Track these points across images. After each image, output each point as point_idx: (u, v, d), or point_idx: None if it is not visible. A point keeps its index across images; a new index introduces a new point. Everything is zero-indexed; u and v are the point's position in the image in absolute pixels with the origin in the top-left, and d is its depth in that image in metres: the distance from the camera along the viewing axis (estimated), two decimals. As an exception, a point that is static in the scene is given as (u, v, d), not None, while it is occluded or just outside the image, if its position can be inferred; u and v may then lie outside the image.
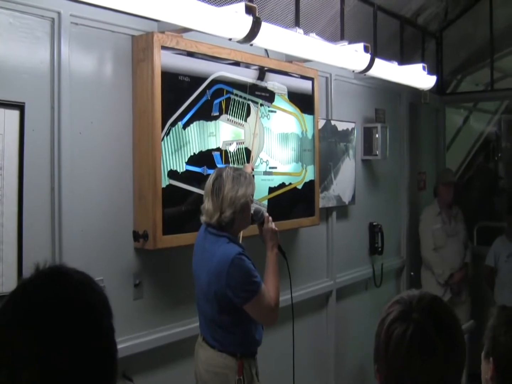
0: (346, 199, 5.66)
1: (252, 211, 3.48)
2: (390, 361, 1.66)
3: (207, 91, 3.87)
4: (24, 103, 2.96)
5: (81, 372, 1.26)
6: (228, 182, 3.29)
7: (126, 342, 3.48)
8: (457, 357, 1.68)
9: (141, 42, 3.53)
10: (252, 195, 3.41)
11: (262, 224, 3.55)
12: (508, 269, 6.65)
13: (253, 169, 4.06)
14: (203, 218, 3.38)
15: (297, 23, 4.96)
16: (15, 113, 2.92)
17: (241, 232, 3.56)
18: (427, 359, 1.63)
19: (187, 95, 3.74)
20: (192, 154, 3.76)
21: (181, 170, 3.69)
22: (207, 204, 3.33)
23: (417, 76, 5.80)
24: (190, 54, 3.75)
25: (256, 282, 3.25)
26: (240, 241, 3.48)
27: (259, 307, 3.29)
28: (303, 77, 4.80)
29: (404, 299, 1.74)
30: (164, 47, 3.54)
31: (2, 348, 1.26)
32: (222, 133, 3.98)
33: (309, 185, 4.88)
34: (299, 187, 4.76)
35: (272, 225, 3.54)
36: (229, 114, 4.05)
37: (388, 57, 5.44)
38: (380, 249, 6.31)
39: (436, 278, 6.67)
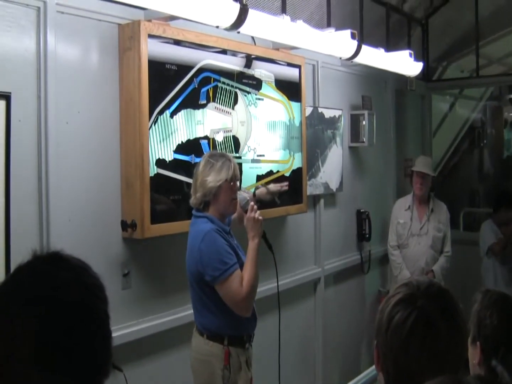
0: (334, 186, 5.66)
1: (238, 199, 3.50)
2: (389, 341, 1.67)
3: (194, 79, 3.85)
4: (10, 93, 2.93)
5: (74, 351, 1.28)
6: (201, 165, 3.38)
7: (115, 332, 3.47)
8: (457, 351, 1.68)
9: (128, 30, 3.51)
10: (228, 180, 3.37)
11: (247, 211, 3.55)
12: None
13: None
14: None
15: (283, 10, 4.95)
16: (1, 103, 2.90)
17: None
18: (426, 347, 1.63)
19: (174, 83, 3.72)
20: (179, 142, 3.75)
21: (169, 159, 3.68)
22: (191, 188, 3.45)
23: (404, 63, 5.81)
24: (177, 42, 3.73)
25: (227, 263, 3.27)
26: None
27: (228, 291, 3.29)
28: (290, 64, 4.79)
29: (413, 283, 1.74)
30: (150, 36, 3.51)
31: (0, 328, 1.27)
32: (210, 121, 3.97)
33: (297, 172, 4.88)
34: (287, 174, 4.76)
35: (256, 214, 3.46)
36: (217, 102, 4.03)
37: (374, 44, 5.43)
38: (367, 236, 6.32)
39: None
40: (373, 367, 1.88)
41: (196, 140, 3.87)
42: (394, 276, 6.18)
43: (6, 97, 2.92)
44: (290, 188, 4.81)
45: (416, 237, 6.16)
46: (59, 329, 1.26)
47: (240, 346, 3.45)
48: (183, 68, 3.78)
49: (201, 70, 3.90)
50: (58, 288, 1.30)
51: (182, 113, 3.76)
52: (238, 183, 3.52)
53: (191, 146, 3.83)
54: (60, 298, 1.28)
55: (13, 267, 1.38)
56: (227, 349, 3.37)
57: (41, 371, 1.25)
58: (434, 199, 6.32)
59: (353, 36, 4.77)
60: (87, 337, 1.31)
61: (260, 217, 3.47)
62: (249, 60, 4.35)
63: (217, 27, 3.56)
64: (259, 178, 4.44)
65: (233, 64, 4.19)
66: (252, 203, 3.53)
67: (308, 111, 5.15)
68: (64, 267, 1.35)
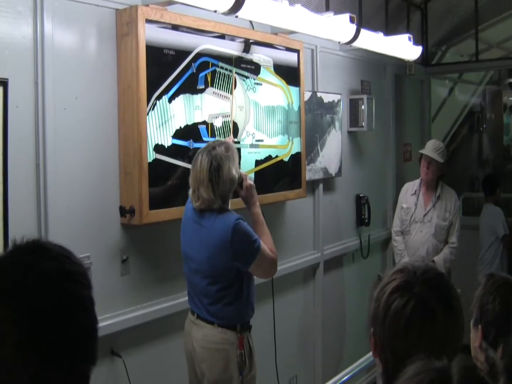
0: (333, 171, 5.65)
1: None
2: (387, 330, 1.67)
3: (193, 64, 3.83)
4: (7, 79, 2.91)
5: (59, 340, 1.27)
6: (225, 166, 3.36)
7: (114, 318, 3.48)
8: (455, 336, 1.69)
9: (125, 15, 3.48)
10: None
11: (241, 184, 3.57)
12: None
13: (233, 141, 4.05)
14: (197, 204, 3.40)
15: (282, -6, 4.92)
16: (-2, 90, 2.89)
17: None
18: (425, 334, 1.64)
19: (173, 68, 3.70)
20: (178, 128, 3.73)
21: (167, 144, 3.66)
22: (205, 193, 3.36)
23: (403, 47, 5.79)
24: (175, 27, 3.71)
25: (256, 240, 3.38)
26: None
27: (263, 263, 3.43)
28: (288, 49, 4.76)
29: (408, 269, 1.73)
30: (148, 21, 3.49)
31: None
32: (208, 106, 3.96)
33: (296, 157, 4.86)
34: (286, 159, 4.75)
35: (249, 181, 3.61)
36: (215, 87, 4.02)
37: (373, 28, 5.42)
38: (367, 220, 6.31)
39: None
40: (373, 352, 1.89)
41: (195, 125, 3.86)
42: (396, 262, 6.11)
43: (3, 83, 2.90)
44: (289, 173, 4.81)
45: (418, 224, 6.04)
46: (42, 319, 1.25)
47: (248, 331, 3.52)
48: (181, 53, 3.76)
49: (199, 55, 3.88)
50: (40, 278, 1.29)
51: (180, 98, 3.74)
52: None
53: (189, 131, 3.81)
54: (42, 288, 1.28)
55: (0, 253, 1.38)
56: (241, 335, 3.43)
57: (25, 361, 1.24)
58: (444, 185, 6.12)
59: (351, 20, 4.76)
60: (72, 325, 1.30)
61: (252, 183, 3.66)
62: (247, 45, 4.33)
63: (215, 11, 3.54)
64: (257, 163, 4.43)
65: (231, 49, 4.17)
66: (243, 172, 3.62)
67: (307, 95, 5.14)
68: (45, 256, 1.34)
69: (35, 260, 1.32)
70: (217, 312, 3.40)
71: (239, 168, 3.54)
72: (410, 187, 6.23)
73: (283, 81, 4.70)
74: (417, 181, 6.20)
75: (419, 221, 6.04)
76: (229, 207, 3.57)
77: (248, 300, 3.49)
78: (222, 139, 3.95)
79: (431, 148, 5.98)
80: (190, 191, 3.43)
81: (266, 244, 3.45)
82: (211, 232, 3.35)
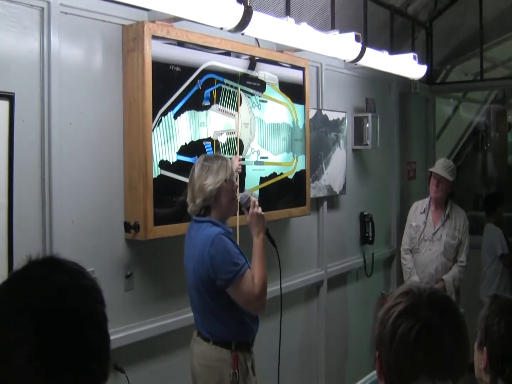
0: (337, 189, 5.65)
1: (238, 197, 3.48)
2: (394, 352, 1.66)
3: (198, 80, 3.85)
4: (13, 93, 2.92)
5: (72, 355, 1.27)
6: (197, 171, 3.34)
7: (118, 334, 3.46)
8: (461, 358, 1.68)
9: (131, 31, 3.50)
10: (227, 180, 3.35)
11: (248, 209, 3.49)
12: None
13: (240, 160, 4.03)
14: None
15: (287, 12, 4.95)
16: (5, 104, 2.89)
17: (237, 225, 3.64)
18: (432, 357, 1.63)
19: (178, 84, 3.72)
20: (183, 144, 3.74)
21: (173, 160, 3.67)
22: (187, 196, 3.41)
23: (408, 66, 5.80)
24: (181, 43, 3.72)
25: (238, 264, 3.24)
26: (237, 236, 3.50)
27: (242, 292, 3.26)
28: (293, 66, 4.78)
29: (413, 291, 1.73)
30: (154, 37, 3.51)
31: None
32: (213, 123, 3.97)
33: (300, 175, 4.87)
34: (290, 177, 4.75)
35: (259, 210, 3.45)
36: (220, 104, 4.03)
37: (377, 46, 5.44)
38: (371, 238, 6.30)
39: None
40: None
41: (200, 142, 3.87)
42: (405, 280, 6.08)
43: (10, 97, 2.91)
44: (294, 191, 4.81)
45: (428, 242, 6.00)
46: (56, 334, 1.26)
47: (246, 350, 3.44)
48: (187, 70, 3.78)
49: (205, 71, 3.90)
50: (54, 293, 1.30)
51: (185, 115, 3.75)
52: (236, 182, 3.52)
53: (194, 148, 3.82)
54: (56, 303, 1.29)
55: (15, 268, 1.39)
56: (236, 354, 3.35)
57: (34, 371, 1.24)
58: (453, 204, 6.10)
59: (357, 39, 4.77)
60: (85, 340, 1.30)
61: (263, 213, 3.46)
62: (253, 62, 4.34)
63: (221, 28, 3.56)
64: (262, 180, 4.43)
65: (237, 66, 4.18)
66: (253, 198, 3.50)
67: (312, 113, 5.15)
68: (60, 271, 1.35)
69: (50, 276, 1.33)
70: (208, 327, 3.36)
71: (247, 190, 3.50)
72: (419, 206, 6.21)
73: (288, 99, 4.71)
74: (426, 200, 6.19)
75: (428, 239, 6.02)
76: (237, 224, 3.57)
77: (243, 318, 3.39)
78: (227, 156, 3.95)
79: (441, 166, 5.97)
80: None
81: (254, 277, 3.27)
82: (195, 243, 3.33)
